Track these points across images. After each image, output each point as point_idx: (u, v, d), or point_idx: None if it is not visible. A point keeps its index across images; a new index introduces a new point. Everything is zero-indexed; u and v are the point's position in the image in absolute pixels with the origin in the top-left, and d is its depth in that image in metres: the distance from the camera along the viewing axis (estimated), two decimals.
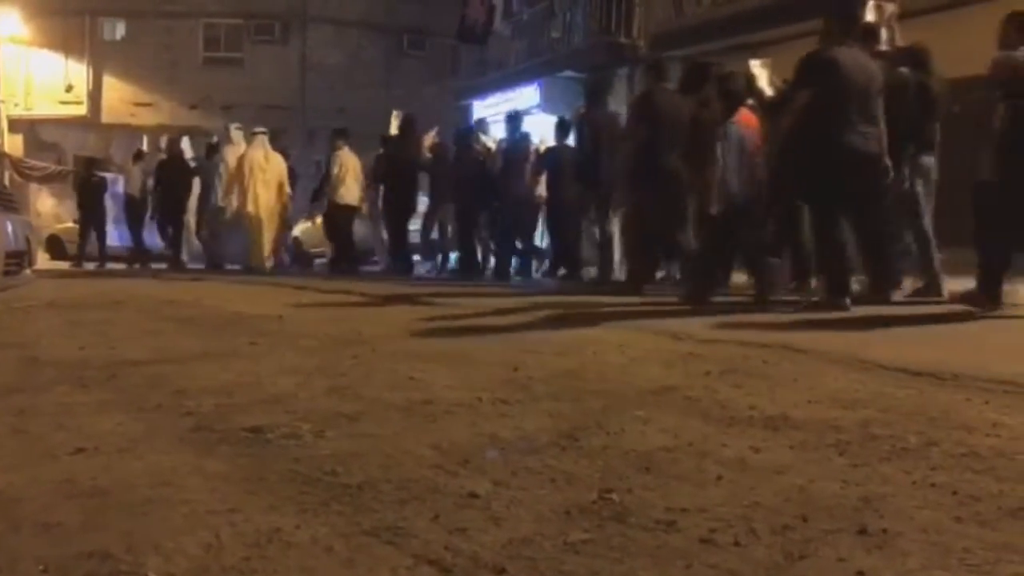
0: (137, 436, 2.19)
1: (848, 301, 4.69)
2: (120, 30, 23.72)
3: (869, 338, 3.70)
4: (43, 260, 10.77)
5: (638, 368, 3.09)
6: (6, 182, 17.02)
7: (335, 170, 9.71)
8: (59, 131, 23.22)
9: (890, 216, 5.29)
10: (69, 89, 23.43)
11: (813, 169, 4.83)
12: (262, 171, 9.99)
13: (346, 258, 10.16)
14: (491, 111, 17.50)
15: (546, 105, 15.98)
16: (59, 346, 3.73)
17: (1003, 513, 1.55)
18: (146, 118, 23.37)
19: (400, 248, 9.90)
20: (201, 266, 11.36)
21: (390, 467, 1.90)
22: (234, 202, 10.36)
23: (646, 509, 1.60)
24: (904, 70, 5.47)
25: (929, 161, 5.58)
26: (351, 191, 9.70)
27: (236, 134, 11.18)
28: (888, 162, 4.97)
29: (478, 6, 18.02)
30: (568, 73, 15.70)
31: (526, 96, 16.28)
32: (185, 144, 12.08)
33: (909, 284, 5.66)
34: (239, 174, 10.25)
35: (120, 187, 13.08)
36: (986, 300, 4.44)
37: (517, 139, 9.14)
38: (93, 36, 23.42)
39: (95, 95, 23.50)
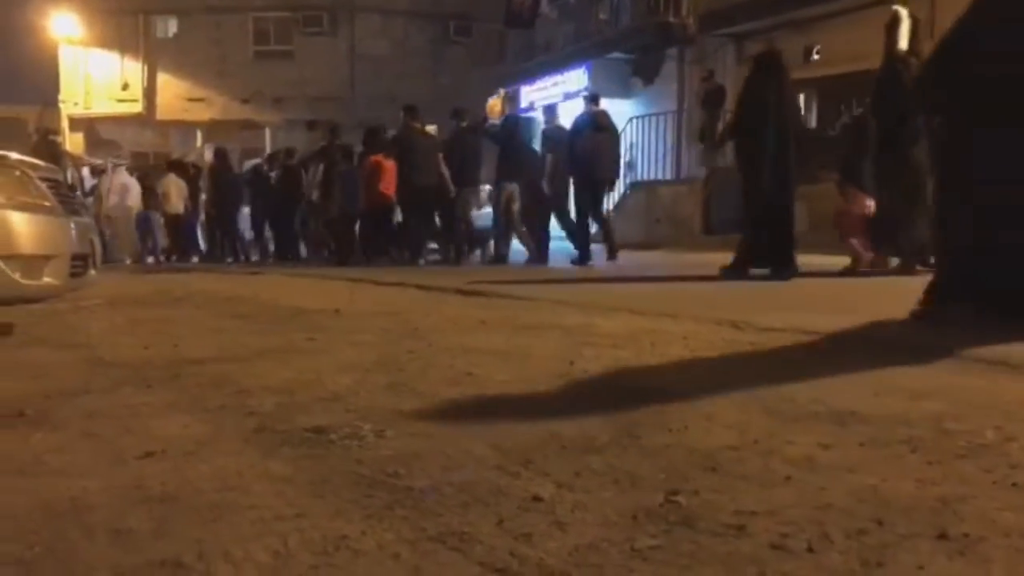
0: (203, 438, 2.22)
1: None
2: (172, 27, 24.16)
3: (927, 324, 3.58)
4: None
5: (697, 360, 3.04)
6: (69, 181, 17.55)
7: (161, 189, 13.88)
8: (117, 128, 23.79)
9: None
10: (125, 87, 23.99)
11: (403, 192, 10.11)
12: (124, 189, 13.99)
13: (181, 250, 14.30)
14: (540, 95, 17.44)
15: (594, 87, 15.87)
16: (123, 345, 3.82)
17: None
18: (199, 113, 23.82)
19: (233, 241, 14.08)
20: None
21: (451, 468, 1.90)
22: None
23: (714, 512, 1.57)
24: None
25: (512, 187, 9.62)
26: (174, 203, 13.79)
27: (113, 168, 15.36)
28: (452, 187, 9.91)
29: None
30: (616, 55, 15.57)
31: (574, 79, 16.17)
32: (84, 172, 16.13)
33: None
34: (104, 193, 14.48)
35: None
36: None
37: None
38: (147, 34, 23.91)
39: (150, 92, 24.02)
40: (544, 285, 7.09)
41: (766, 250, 6.15)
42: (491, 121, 10.84)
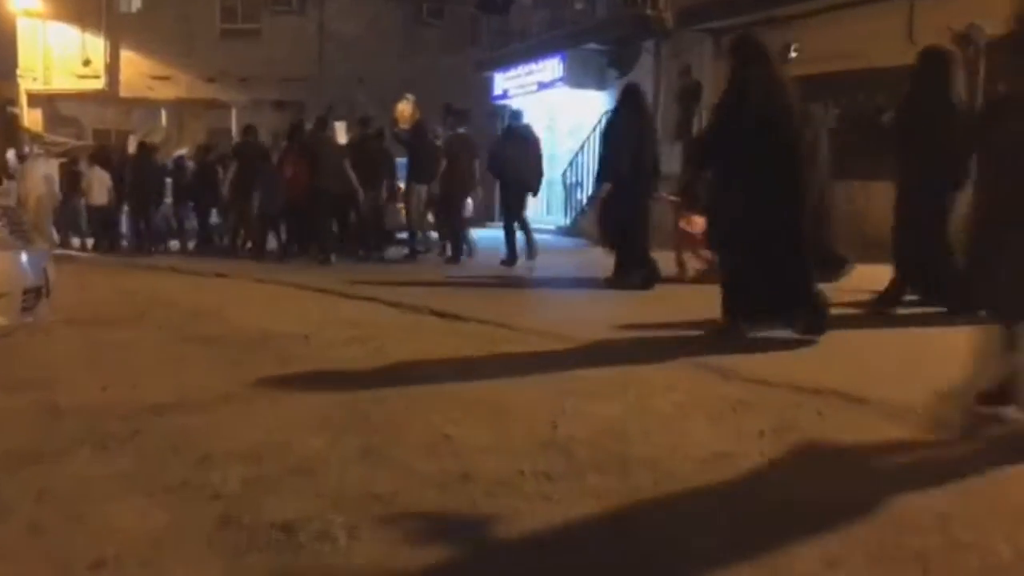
0: (161, 534, 2.05)
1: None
2: (136, 2, 23.45)
3: (924, 385, 3.46)
4: None
5: (686, 424, 2.91)
6: (25, 153, 16.96)
7: (84, 182, 14.04)
8: (78, 106, 23.06)
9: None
10: (87, 63, 23.24)
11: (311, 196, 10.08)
12: (46, 179, 14.01)
13: (107, 243, 14.18)
14: (513, 83, 17.17)
15: (569, 78, 15.61)
16: (80, 385, 3.58)
17: None
18: (164, 92, 23.18)
19: (151, 229, 13.91)
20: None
21: None
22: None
23: None
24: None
25: (422, 188, 10.18)
26: (98, 194, 13.93)
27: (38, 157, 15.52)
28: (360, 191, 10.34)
29: None
30: (592, 45, 15.31)
31: (549, 69, 15.89)
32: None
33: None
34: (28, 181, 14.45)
35: None
36: None
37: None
38: (110, 9, 23.16)
39: (112, 69, 23.29)
40: (513, 298, 6.97)
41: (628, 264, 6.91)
42: (400, 125, 11.25)
